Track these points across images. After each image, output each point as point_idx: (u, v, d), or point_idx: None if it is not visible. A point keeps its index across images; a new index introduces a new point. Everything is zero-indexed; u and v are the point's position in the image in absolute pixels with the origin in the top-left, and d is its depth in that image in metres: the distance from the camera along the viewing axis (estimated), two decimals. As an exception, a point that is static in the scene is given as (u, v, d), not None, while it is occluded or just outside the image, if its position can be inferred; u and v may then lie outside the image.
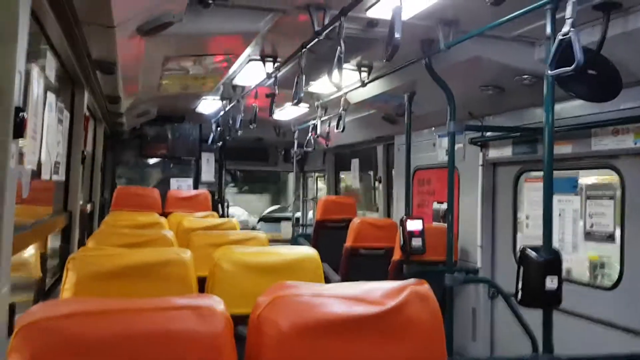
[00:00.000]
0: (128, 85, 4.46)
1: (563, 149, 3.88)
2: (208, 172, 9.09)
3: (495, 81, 4.21)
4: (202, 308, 1.45)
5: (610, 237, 3.87)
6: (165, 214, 5.92)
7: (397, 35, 2.29)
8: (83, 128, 4.20)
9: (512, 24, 3.09)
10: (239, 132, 6.43)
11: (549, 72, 2.40)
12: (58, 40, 2.80)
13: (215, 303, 1.50)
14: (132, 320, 1.40)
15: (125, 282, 2.38)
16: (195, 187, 9.04)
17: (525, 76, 3.90)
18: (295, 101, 3.94)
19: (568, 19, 2.28)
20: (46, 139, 2.69)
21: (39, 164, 2.62)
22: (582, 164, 4.08)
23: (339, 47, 3.02)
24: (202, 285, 2.75)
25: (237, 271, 2.65)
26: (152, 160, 9.49)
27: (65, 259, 2.73)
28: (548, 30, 2.66)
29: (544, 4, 2.60)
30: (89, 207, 5.69)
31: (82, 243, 4.33)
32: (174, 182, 9.07)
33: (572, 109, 3.80)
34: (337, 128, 5.40)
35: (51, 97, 2.88)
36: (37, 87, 2.43)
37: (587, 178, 4.21)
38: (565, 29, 2.28)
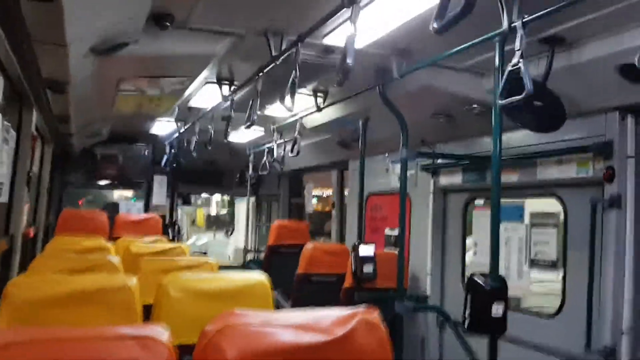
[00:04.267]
0: (79, 105, 4.35)
1: (510, 177, 3.98)
2: (159, 194, 8.87)
3: (447, 110, 4.31)
4: (145, 338, 1.40)
5: (553, 265, 3.98)
6: (113, 239, 5.75)
7: (349, 60, 2.34)
8: (30, 148, 4.06)
9: (462, 55, 3.18)
10: (194, 154, 6.36)
11: (499, 101, 2.47)
12: (6, 57, 2.72)
13: (159, 333, 1.45)
14: (70, 351, 1.34)
15: (66, 310, 2.28)
16: (146, 210, 8.83)
17: (475, 106, 4.00)
18: (248, 124, 3.96)
19: (517, 50, 2.36)
20: (-12, 159, 2.59)
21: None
22: (528, 192, 4.20)
23: (293, 72, 3.04)
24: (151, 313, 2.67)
25: (184, 298, 2.58)
26: (102, 182, 9.24)
27: (4, 285, 2.62)
28: (497, 61, 2.75)
29: (493, 37, 2.69)
30: (32, 230, 5.47)
31: (23, 269, 4.15)
32: (123, 205, 8.82)
33: (519, 138, 3.92)
34: (291, 152, 5.40)
35: (-5, 115, 2.78)
36: (-21, 105, 2.34)
37: (531, 206, 4.33)
38: (515, 60, 2.36)
